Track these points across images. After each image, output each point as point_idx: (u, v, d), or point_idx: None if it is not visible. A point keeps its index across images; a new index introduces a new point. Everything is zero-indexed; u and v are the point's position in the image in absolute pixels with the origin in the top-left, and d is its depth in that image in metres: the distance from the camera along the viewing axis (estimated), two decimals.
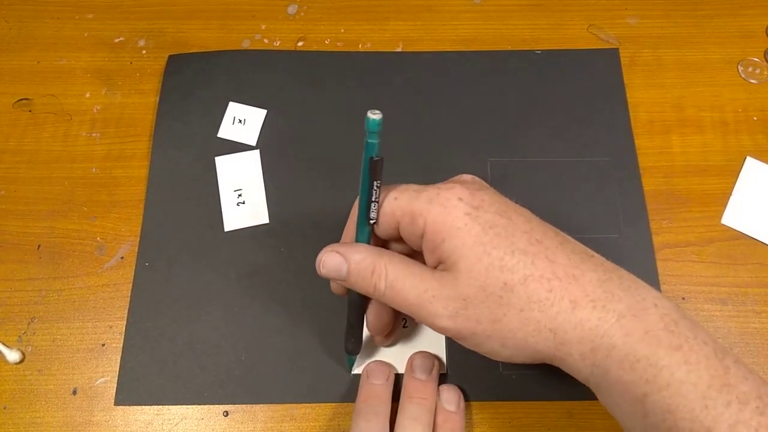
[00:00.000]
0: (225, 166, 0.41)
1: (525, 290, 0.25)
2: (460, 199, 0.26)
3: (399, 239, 0.29)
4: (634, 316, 0.24)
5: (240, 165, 0.41)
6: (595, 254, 0.27)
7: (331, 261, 0.28)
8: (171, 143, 0.42)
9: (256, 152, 0.41)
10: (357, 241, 0.29)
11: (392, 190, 0.28)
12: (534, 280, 0.25)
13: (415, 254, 0.29)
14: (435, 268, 0.28)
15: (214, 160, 0.41)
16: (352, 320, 0.32)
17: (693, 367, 0.23)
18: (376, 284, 0.28)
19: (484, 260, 0.25)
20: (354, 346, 0.33)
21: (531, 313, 0.25)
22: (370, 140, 0.25)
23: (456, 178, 0.29)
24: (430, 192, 0.27)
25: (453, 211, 0.26)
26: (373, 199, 0.27)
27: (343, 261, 0.28)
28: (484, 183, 0.29)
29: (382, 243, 0.30)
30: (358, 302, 0.31)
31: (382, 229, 0.28)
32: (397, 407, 0.32)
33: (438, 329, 0.27)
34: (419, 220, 0.27)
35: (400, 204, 0.27)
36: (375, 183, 0.26)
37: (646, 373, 0.23)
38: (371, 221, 0.28)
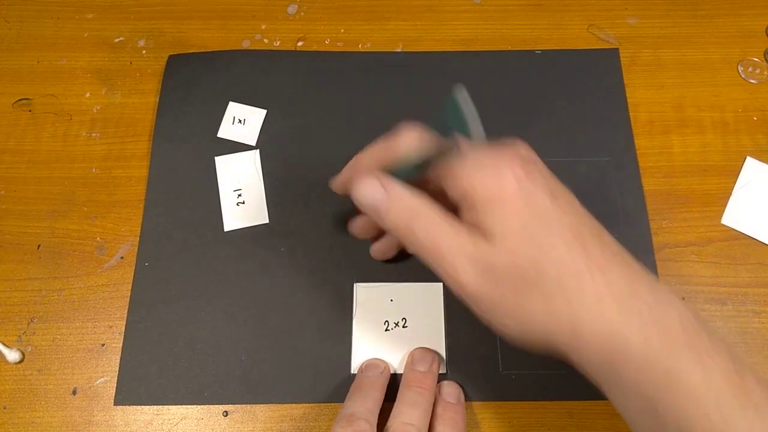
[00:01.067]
0: (225, 166, 0.41)
1: (555, 274, 0.25)
2: (512, 170, 0.26)
3: (428, 182, 0.28)
4: (655, 321, 0.24)
5: (240, 165, 0.41)
6: (625, 251, 0.27)
7: (371, 188, 0.26)
8: (171, 143, 0.42)
9: (256, 152, 0.41)
10: (399, 167, 0.28)
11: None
12: (564, 266, 0.25)
13: (438, 197, 0.28)
14: None
15: (214, 160, 0.41)
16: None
17: (709, 373, 0.23)
18: (414, 227, 0.27)
19: (522, 236, 0.25)
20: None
21: (554, 302, 0.25)
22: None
23: (512, 144, 0.28)
24: (484, 158, 0.27)
25: (503, 182, 0.26)
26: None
27: (384, 192, 0.26)
28: (537, 157, 0.29)
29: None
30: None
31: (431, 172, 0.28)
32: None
33: (456, 284, 0.26)
34: (464, 182, 0.26)
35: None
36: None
37: (659, 375, 0.23)
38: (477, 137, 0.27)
